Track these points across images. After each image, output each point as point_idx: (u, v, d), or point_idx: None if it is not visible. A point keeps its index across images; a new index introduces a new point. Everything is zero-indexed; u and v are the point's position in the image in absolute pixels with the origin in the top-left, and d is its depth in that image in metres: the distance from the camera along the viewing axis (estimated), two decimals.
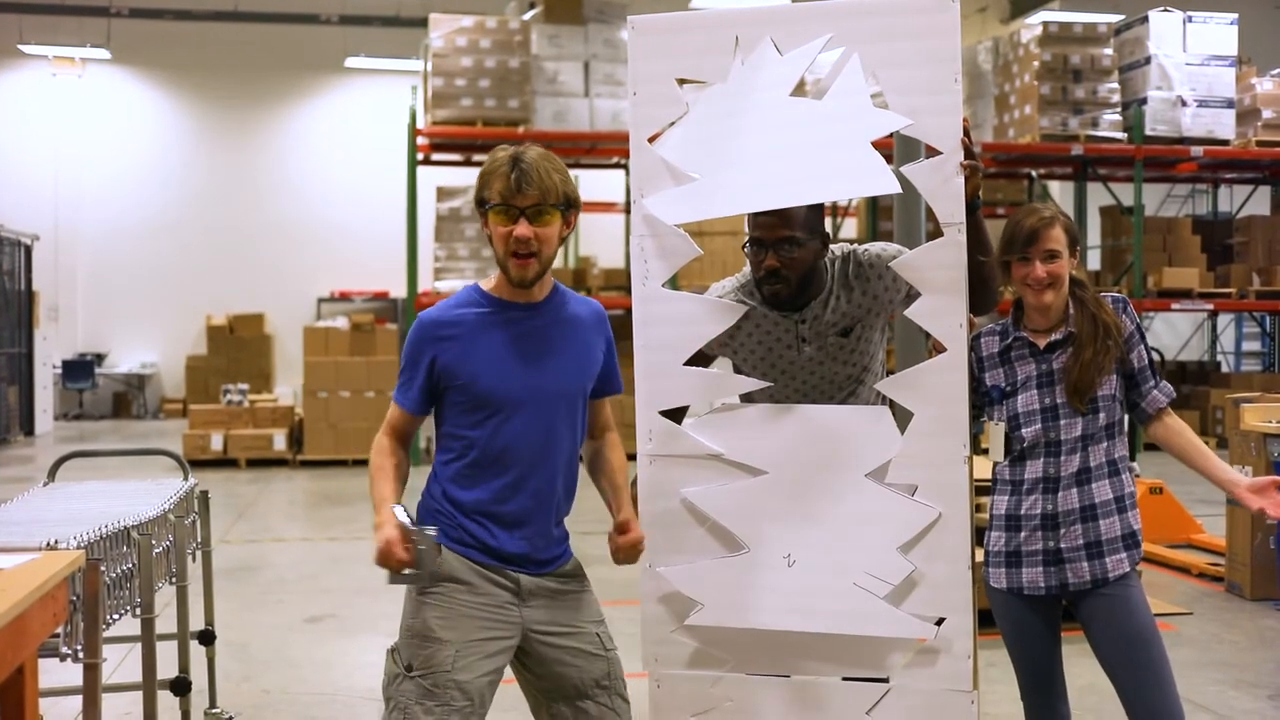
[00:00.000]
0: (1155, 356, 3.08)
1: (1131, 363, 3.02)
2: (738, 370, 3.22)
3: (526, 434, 2.71)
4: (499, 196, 2.62)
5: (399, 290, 17.75)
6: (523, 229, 2.62)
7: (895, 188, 2.80)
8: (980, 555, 3.04)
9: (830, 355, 3.12)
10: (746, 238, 3.06)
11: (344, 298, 19.96)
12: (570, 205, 2.70)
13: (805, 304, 3.08)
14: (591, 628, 2.80)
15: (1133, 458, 3.04)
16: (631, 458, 2.98)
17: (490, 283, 2.78)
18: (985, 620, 3.18)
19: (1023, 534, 3.02)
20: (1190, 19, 13.66)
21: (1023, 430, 3.02)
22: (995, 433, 3.07)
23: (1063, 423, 2.99)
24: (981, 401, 3.10)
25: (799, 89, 2.91)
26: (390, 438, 2.77)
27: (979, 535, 3.00)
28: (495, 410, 2.70)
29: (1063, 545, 2.98)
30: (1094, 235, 16.21)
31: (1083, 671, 3.24)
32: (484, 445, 2.70)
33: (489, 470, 2.71)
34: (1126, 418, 3.10)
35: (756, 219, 2.97)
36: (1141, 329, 3.05)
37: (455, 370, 2.70)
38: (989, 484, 3.14)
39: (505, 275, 2.71)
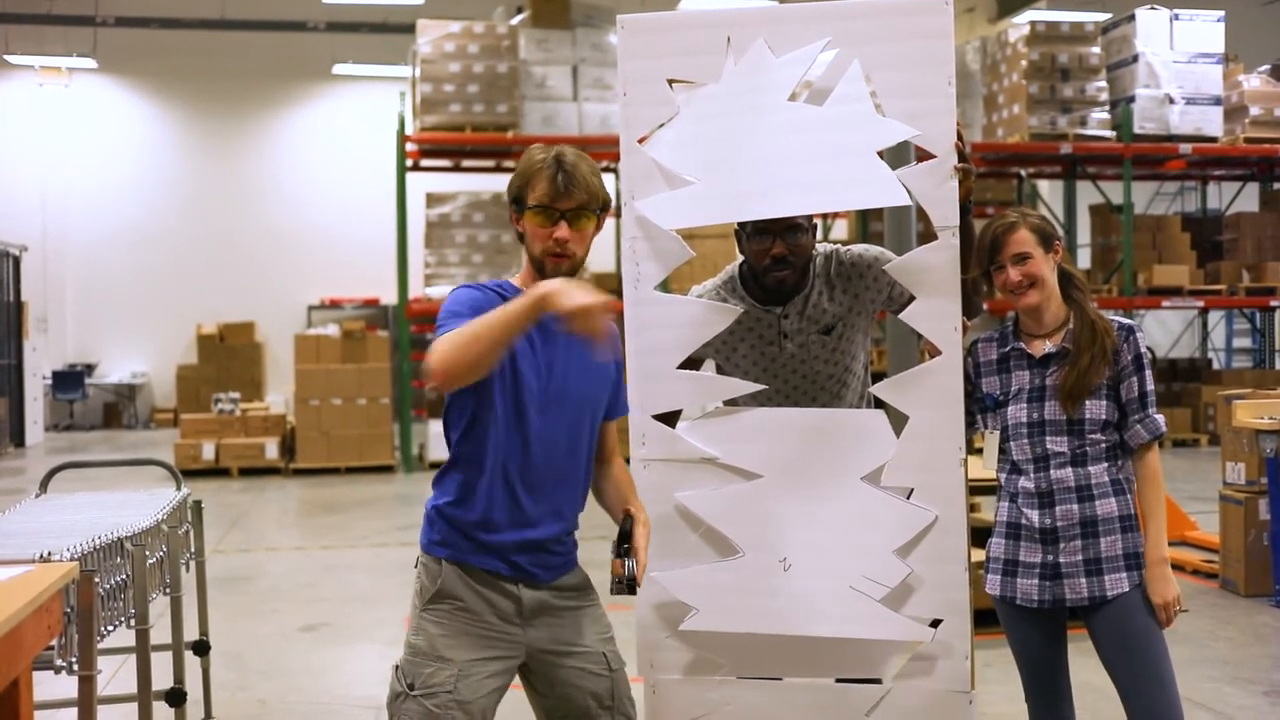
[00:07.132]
0: (1150, 387, 3.02)
1: (1122, 392, 2.96)
2: (721, 372, 3.21)
3: (551, 435, 2.64)
4: (544, 198, 2.60)
5: (389, 297, 17.75)
6: (563, 231, 2.61)
7: (905, 200, 2.78)
8: (976, 556, 3.03)
9: (812, 354, 3.13)
10: (738, 227, 3.06)
11: (334, 305, 19.93)
12: (605, 207, 2.70)
13: (788, 297, 3.09)
14: (598, 646, 2.74)
15: None
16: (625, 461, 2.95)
17: (520, 279, 2.71)
18: (982, 620, 3.17)
19: (1022, 545, 3.00)
20: (1177, 17, 13.72)
21: (1011, 443, 3.01)
22: (990, 442, 3.05)
23: (1049, 439, 2.95)
24: (976, 408, 3.07)
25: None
26: None
27: (975, 537, 2.99)
28: (521, 407, 2.61)
29: (1061, 560, 2.94)
30: (1084, 234, 16.26)
31: (1079, 670, 3.23)
32: (504, 444, 2.60)
33: (509, 472, 2.61)
34: None
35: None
36: (1143, 360, 2.97)
37: None
38: (983, 485, 3.13)
39: (539, 273, 2.64)
